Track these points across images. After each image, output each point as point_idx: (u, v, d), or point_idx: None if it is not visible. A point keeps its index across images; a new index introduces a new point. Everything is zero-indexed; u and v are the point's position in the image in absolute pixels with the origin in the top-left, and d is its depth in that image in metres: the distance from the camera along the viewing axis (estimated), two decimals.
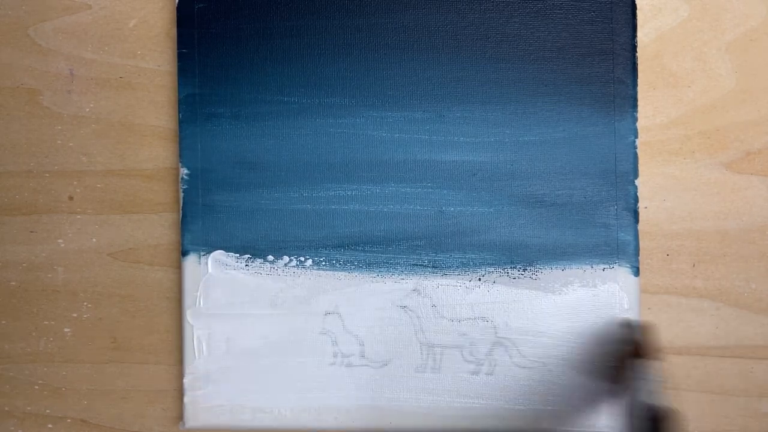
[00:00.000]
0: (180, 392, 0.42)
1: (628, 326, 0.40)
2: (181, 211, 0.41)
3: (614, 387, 0.39)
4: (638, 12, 0.40)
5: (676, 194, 0.41)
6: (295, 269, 0.41)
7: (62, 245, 0.43)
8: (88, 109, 0.43)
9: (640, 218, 0.40)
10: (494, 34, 0.40)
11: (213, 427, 0.41)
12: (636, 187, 0.40)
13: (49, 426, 0.43)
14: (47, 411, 0.43)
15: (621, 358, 0.39)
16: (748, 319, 0.41)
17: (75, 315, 0.43)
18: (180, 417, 0.42)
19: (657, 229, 0.41)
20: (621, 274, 0.40)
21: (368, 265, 0.41)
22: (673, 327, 0.41)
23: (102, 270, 0.43)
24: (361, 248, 0.41)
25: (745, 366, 0.41)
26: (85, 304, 0.43)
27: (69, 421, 0.43)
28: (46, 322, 0.43)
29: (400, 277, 0.40)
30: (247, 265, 0.41)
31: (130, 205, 0.43)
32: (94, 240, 0.43)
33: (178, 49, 0.41)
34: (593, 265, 0.40)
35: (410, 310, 0.41)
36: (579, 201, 0.40)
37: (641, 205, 0.41)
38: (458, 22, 0.41)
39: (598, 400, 0.39)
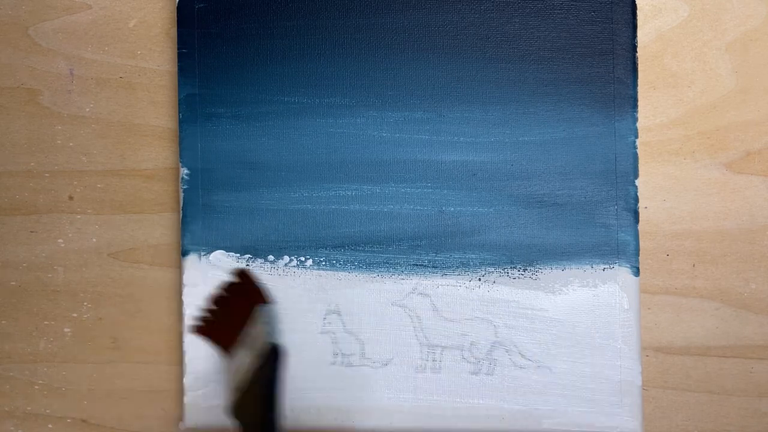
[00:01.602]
0: (180, 392, 0.42)
1: (236, 276, 0.40)
2: (181, 211, 0.41)
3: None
4: (638, 12, 0.40)
5: (676, 194, 0.41)
6: (296, 269, 0.41)
7: (62, 245, 0.43)
8: (88, 109, 0.43)
9: (640, 218, 0.40)
10: (494, 34, 0.40)
11: (213, 427, 0.41)
12: (636, 187, 0.40)
13: (49, 426, 0.43)
14: (47, 411, 0.43)
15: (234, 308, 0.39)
16: (748, 319, 0.41)
17: (75, 315, 0.43)
18: (180, 417, 0.42)
19: (657, 229, 0.41)
20: (621, 274, 0.40)
21: (368, 265, 0.41)
22: (673, 327, 0.41)
23: (102, 270, 0.43)
24: (361, 248, 0.41)
25: (745, 366, 0.41)
26: (85, 304, 0.43)
27: (69, 421, 0.43)
28: (46, 322, 0.43)
29: (400, 277, 0.40)
30: (247, 265, 0.41)
31: (130, 205, 0.43)
32: (94, 240, 0.43)
33: (178, 49, 0.41)
34: (593, 265, 0.40)
35: (410, 310, 0.41)
36: (579, 201, 0.40)
37: (641, 205, 0.41)
38: (458, 22, 0.41)
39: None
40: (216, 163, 0.41)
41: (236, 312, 0.38)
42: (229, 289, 0.39)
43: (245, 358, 0.37)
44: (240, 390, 0.36)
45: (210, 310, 0.39)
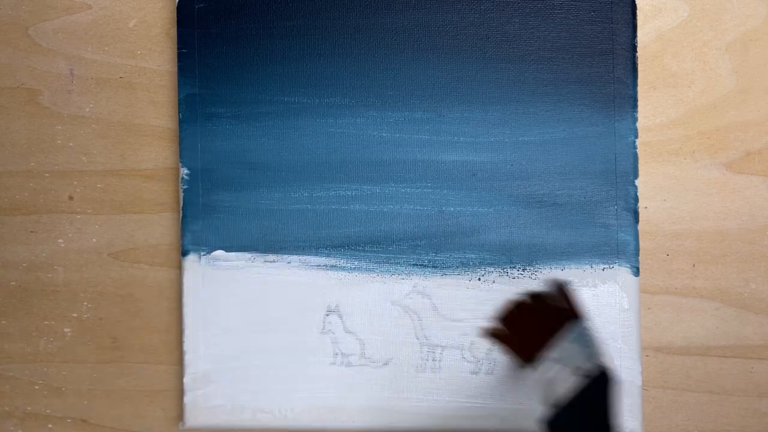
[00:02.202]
0: (180, 392, 0.42)
1: (553, 289, 0.39)
2: (181, 211, 0.41)
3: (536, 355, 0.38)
4: (638, 12, 0.40)
5: (676, 194, 0.41)
6: (296, 269, 0.41)
7: (62, 245, 0.43)
8: (88, 109, 0.43)
9: (640, 218, 0.40)
10: (494, 34, 0.40)
11: (213, 427, 0.41)
12: (636, 187, 0.40)
13: (49, 426, 0.43)
14: (47, 411, 0.43)
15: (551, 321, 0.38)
16: (748, 319, 0.41)
17: (75, 315, 0.43)
18: (180, 417, 0.42)
19: (657, 229, 0.41)
20: (621, 274, 0.40)
21: (368, 265, 0.41)
22: (673, 327, 0.41)
23: (102, 270, 0.43)
24: (361, 248, 0.41)
25: (745, 366, 0.41)
26: (85, 304, 0.43)
27: (69, 421, 0.43)
28: (46, 322, 0.43)
29: (401, 277, 0.40)
30: (247, 265, 0.41)
31: (130, 205, 0.43)
32: (94, 240, 0.43)
33: (178, 49, 0.41)
34: (593, 265, 0.40)
35: (410, 310, 0.41)
36: (579, 201, 0.40)
37: (641, 205, 0.41)
38: (458, 22, 0.41)
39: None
40: (216, 163, 0.41)
41: (542, 323, 0.37)
42: (538, 298, 0.38)
43: (559, 373, 0.35)
44: (558, 407, 0.34)
45: (511, 317, 0.38)
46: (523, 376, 0.39)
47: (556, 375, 0.35)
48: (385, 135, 0.41)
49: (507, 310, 0.38)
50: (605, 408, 0.33)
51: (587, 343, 0.35)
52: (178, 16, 0.41)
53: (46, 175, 0.43)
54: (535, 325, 0.37)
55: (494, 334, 0.38)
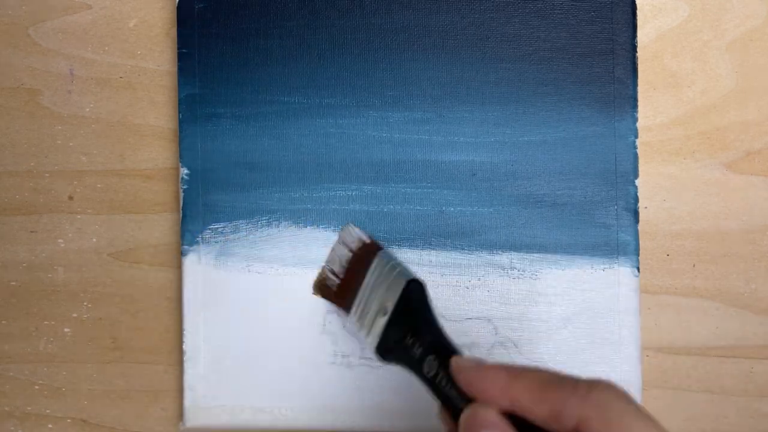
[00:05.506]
0: (180, 392, 0.42)
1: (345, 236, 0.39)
2: (181, 211, 0.41)
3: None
4: (638, 12, 0.40)
5: (676, 194, 0.41)
6: (296, 269, 0.41)
7: (62, 245, 0.43)
8: (88, 109, 0.43)
9: (640, 218, 0.40)
10: (494, 34, 0.40)
11: (213, 427, 0.41)
12: (636, 187, 0.40)
13: (49, 426, 0.43)
14: (47, 411, 0.43)
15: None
16: (748, 319, 0.41)
17: (75, 315, 0.43)
18: (180, 417, 0.42)
19: (657, 229, 0.41)
20: (621, 274, 0.40)
21: None
22: (673, 327, 0.41)
23: (102, 270, 0.43)
24: None
25: (745, 366, 0.41)
26: (85, 304, 0.43)
27: (69, 421, 0.43)
28: (46, 322, 0.43)
29: None
30: (247, 265, 0.41)
31: (130, 205, 0.43)
32: (94, 240, 0.43)
33: (178, 49, 0.41)
34: (593, 266, 0.40)
35: None
36: (579, 201, 0.40)
37: (641, 205, 0.41)
38: (458, 22, 0.41)
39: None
40: (216, 163, 0.41)
41: (350, 270, 0.38)
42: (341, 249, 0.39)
43: (370, 304, 0.35)
44: (379, 334, 0.34)
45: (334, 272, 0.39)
46: (350, 327, 0.39)
47: (369, 306, 0.35)
48: (385, 135, 0.41)
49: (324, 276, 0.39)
50: (424, 312, 0.34)
51: (390, 267, 0.36)
52: (178, 16, 0.41)
53: (46, 175, 0.43)
54: (348, 274, 0.38)
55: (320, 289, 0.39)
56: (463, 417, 0.27)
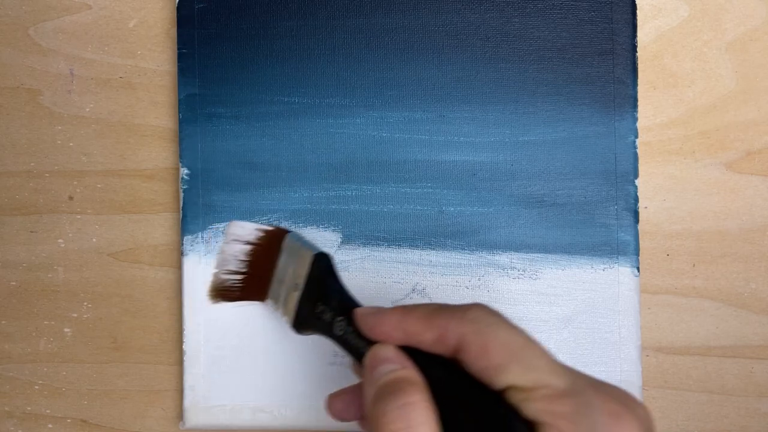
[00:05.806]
0: (180, 392, 0.42)
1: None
2: (181, 211, 0.41)
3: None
4: (638, 12, 0.40)
5: (676, 194, 0.41)
6: None
7: (62, 245, 0.43)
8: (88, 109, 0.43)
9: (640, 218, 0.40)
10: (494, 34, 0.40)
11: (213, 427, 0.41)
12: (636, 187, 0.40)
13: (49, 426, 0.43)
14: (47, 411, 0.43)
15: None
16: (748, 319, 0.41)
17: (75, 315, 0.43)
18: (180, 417, 0.42)
19: (657, 229, 0.41)
20: (621, 274, 0.40)
21: (368, 265, 0.41)
22: (673, 327, 0.41)
23: (102, 270, 0.43)
24: (360, 248, 0.41)
25: (745, 366, 0.41)
26: (85, 304, 0.43)
27: (69, 421, 0.43)
28: (46, 322, 0.43)
29: (400, 276, 0.40)
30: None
31: (130, 205, 0.43)
32: (94, 240, 0.43)
33: (178, 49, 0.41)
34: (593, 266, 0.40)
35: None
36: (579, 201, 0.40)
37: (641, 205, 0.41)
38: (458, 22, 0.41)
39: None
40: (216, 163, 0.41)
41: (258, 260, 0.38)
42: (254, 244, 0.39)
43: (286, 285, 0.36)
44: (294, 309, 0.36)
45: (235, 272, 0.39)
46: (268, 311, 0.40)
47: (282, 286, 0.37)
48: (385, 135, 0.41)
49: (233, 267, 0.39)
50: (330, 281, 0.35)
51: (298, 246, 0.37)
52: (178, 16, 0.41)
53: (46, 175, 0.43)
54: (252, 266, 0.39)
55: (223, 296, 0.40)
56: (365, 358, 0.29)
